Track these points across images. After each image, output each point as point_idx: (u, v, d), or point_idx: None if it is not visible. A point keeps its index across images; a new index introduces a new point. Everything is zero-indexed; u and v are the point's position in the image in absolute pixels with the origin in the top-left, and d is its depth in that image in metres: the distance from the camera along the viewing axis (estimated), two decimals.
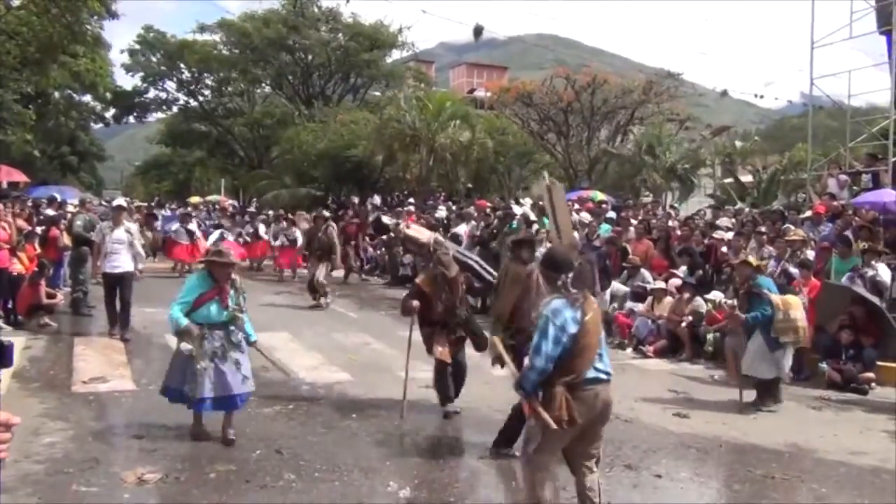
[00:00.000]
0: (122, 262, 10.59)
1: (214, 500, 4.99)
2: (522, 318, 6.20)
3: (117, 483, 5.23)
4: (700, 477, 5.95)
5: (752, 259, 8.67)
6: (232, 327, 6.19)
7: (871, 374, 9.47)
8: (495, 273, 7.83)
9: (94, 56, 29.53)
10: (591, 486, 4.57)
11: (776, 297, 8.27)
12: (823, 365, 9.73)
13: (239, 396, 6.12)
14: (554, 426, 4.28)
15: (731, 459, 6.44)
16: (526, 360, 4.52)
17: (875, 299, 9.78)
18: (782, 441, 6.99)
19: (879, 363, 9.63)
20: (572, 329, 4.32)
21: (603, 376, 4.48)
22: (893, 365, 9.59)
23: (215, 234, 19.12)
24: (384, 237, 20.20)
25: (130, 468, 5.48)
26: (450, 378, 7.29)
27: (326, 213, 17.55)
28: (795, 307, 8.32)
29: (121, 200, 11.92)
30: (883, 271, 10.21)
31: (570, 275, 4.55)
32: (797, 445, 6.91)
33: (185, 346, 5.99)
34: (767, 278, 8.65)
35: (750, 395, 8.22)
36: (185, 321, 6.01)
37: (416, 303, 7.22)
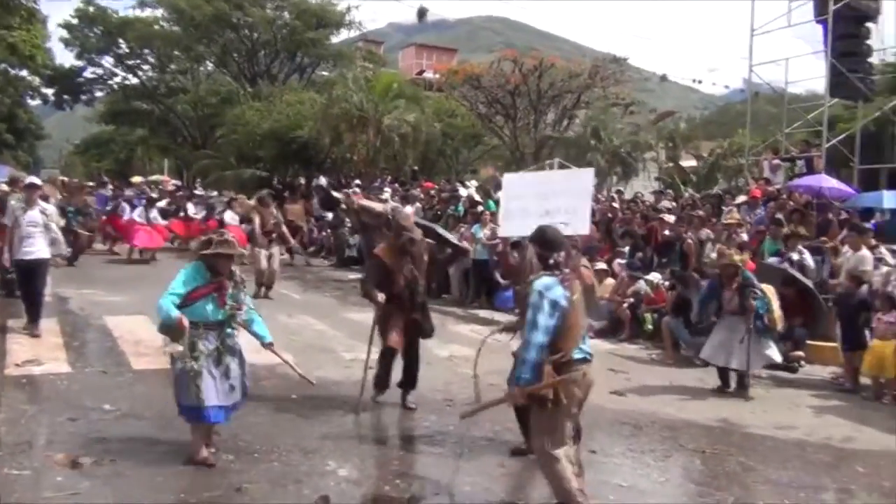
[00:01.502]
0: (36, 248, 9.29)
1: (150, 481, 4.95)
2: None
3: (50, 466, 5.15)
4: (633, 452, 6.11)
5: (735, 257, 8.63)
6: (228, 329, 5.38)
7: (800, 353, 9.84)
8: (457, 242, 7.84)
9: (30, 28, 28.54)
10: (570, 459, 4.59)
11: (767, 288, 8.47)
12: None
13: (224, 408, 5.32)
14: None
15: (664, 435, 6.62)
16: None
17: (807, 281, 10.12)
18: (713, 417, 7.23)
19: (809, 342, 10.00)
20: (564, 303, 4.33)
21: (587, 356, 4.56)
22: (822, 344, 9.95)
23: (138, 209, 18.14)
24: (330, 217, 20.06)
25: (64, 451, 5.39)
26: (391, 367, 6.99)
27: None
28: (774, 296, 8.53)
29: (34, 178, 10.83)
30: (807, 255, 10.57)
31: (562, 253, 4.56)
32: (728, 421, 7.15)
33: (175, 346, 5.14)
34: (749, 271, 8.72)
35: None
36: (177, 312, 5.08)
37: (382, 296, 6.66)
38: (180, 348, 5.14)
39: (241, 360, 5.43)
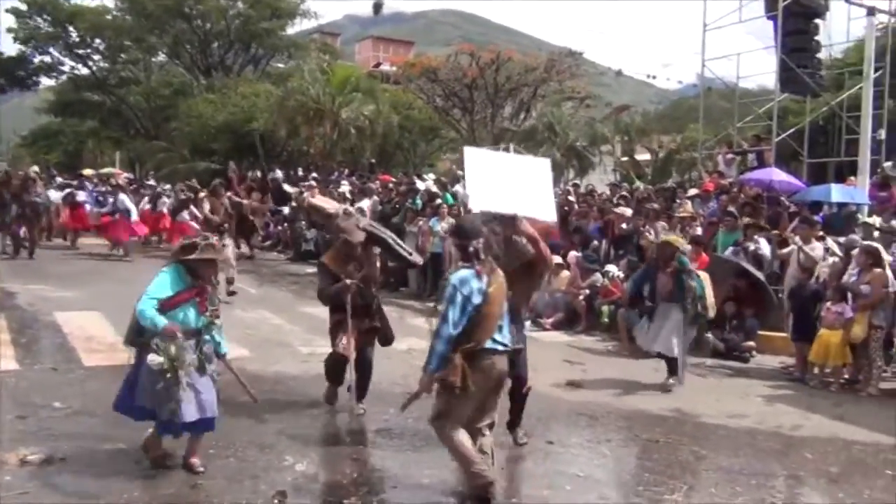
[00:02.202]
0: None
1: (101, 480, 4.86)
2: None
3: None
4: (590, 443, 6.19)
5: (672, 238, 8.71)
6: (206, 336, 5.10)
7: (752, 343, 10.06)
8: (411, 250, 7.66)
9: None
10: (484, 449, 4.79)
11: (703, 275, 8.57)
12: (709, 335, 10.23)
13: (216, 418, 5.11)
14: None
15: (619, 426, 6.71)
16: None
17: (759, 274, 10.33)
18: (667, 407, 7.35)
19: (760, 332, 10.23)
20: (476, 300, 4.53)
21: (500, 347, 4.69)
22: (773, 334, 10.18)
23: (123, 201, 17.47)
24: (286, 210, 19.84)
25: (12, 449, 5.26)
26: (342, 374, 6.59)
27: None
28: (709, 283, 8.64)
29: None
30: (764, 246, 10.78)
31: (480, 241, 4.68)
32: (681, 411, 7.27)
33: (155, 358, 4.77)
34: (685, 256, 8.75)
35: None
36: (163, 321, 4.79)
37: (349, 282, 6.30)
38: (161, 360, 4.76)
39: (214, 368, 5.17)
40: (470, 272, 4.60)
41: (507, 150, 8.31)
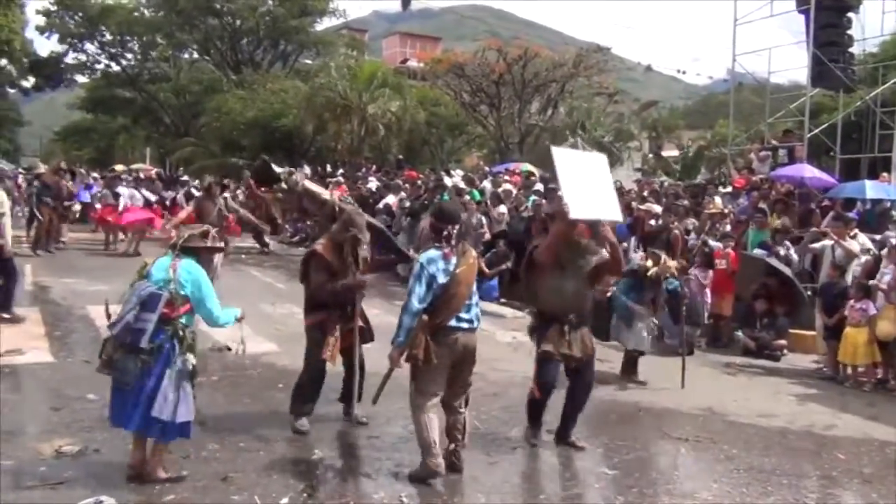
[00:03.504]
0: None
1: None
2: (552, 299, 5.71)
3: (34, 456, 5.11)
4: (618, 440, 6.15)
5: (671, 265, 8.29)
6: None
7: (783, 342, 9.95)
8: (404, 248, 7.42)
9: (7, 12, 28.14)
10: (456, 425, 5.06)
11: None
12: (739, 333, 10.16)
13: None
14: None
15: (649, 424, 6.67)
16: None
17: (787, 270, 10.20)
18: (697, 405, 7.28)
19: (791, 331, 10.12)
20: (442, 279, 4.84)
21: (465, 325, 4.96)
22: (804, 332, 10.06)
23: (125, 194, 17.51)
24: (280, 194, 19.37)
25: (47, 441, 5.35)
26: (321, 383, 5.98)
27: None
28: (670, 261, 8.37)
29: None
30: (792, 251, 10.66)
31: (456, 227, 5.03)
32: (711, 409, 7.20)
33: (191, 358, 4.66)
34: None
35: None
36: (235, 311, 4.90)
37: (363, 279, 5.92)
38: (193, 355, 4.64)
39: None
40: (437, 253, 4.91)
41: (574, 145, 7.98)
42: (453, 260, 4.89)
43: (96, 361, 7.69)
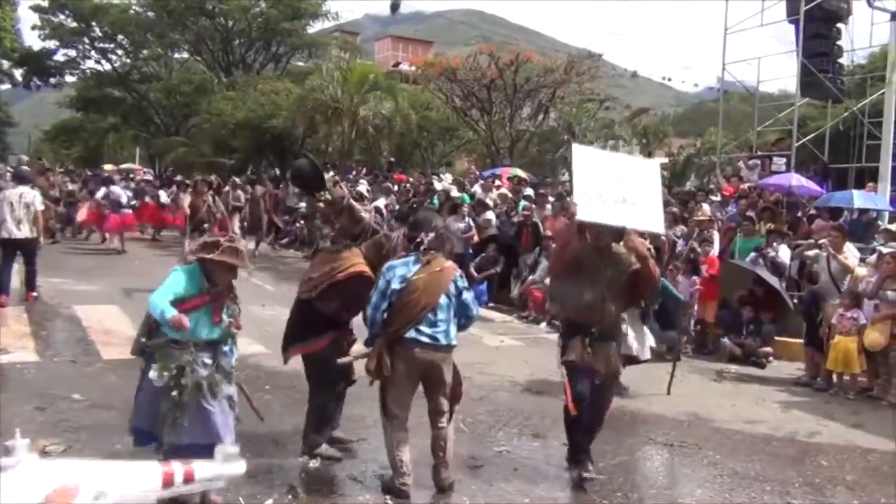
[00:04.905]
0: None
1: None
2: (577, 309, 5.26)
3: None
4: (604, 444, 6.17)
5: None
6: (225, 348, 4.56)
7: (769, 349, 10.00)
8: None
9: None
10: (437, 441, 4.89)
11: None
12: (725, 340, 10.20)
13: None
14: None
15: (635, 428, 6.70)
16: None
17: (774, 280, 10.26)
18: (683, 411, 7.32)
19: (777, 338, 10.17)
20: (396, 285, 4.72)
21: (425, 339, 4.71)
22: (790, 340, 10.11)
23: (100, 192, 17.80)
24: (304, 207, 19.74)
25: (32, 440, 5.31)
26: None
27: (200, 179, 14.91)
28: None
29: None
30: (783, 253, 10.70)
31: (428, 235, 4.88)
32: (697, 415, 7.24)
33: (156, 371, 4.30)
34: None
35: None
36: (172, 311, 4.19)
37: None
38: (164, 373, 4.26)
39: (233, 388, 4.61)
40: (402, 261, 4.84)
41: (630, 152, 7.79)
42: (414, 267, 4.77)
43: (81, 361, 7.72)
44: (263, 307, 11.21)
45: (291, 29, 35.92)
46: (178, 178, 24.44)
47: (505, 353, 9.33)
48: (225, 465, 2.63)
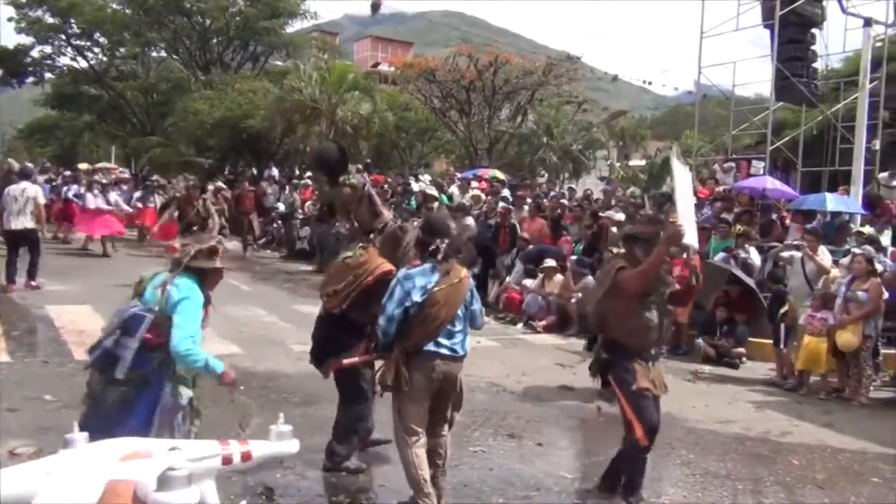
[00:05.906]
0: None
1: None
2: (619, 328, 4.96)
3: None
4: (578, 444, 6.22)
5: None
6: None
7: (742, 350, 10.12)
8: None
9: None
10: (437, 449, 4.63)
11: None
12: (699, 340, 10.30)
13: None
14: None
15: (609, 429, 6.72)
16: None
17: (750, 281, 10.38)
18: None
19: (751, 339, 10.29)
20: (417, 297, 4.39)
21: (445, 351, 4.47)
22: (763, 341, 10.22)
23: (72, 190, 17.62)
24: (281, 207, 19.80)
25: (3, 442, 5.27)
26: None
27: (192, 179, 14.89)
28: None
29: None
30: (754, 255, 10.84)
31: (445, 242, 4.55)
32: (670, 415, 7.25)
33: (185, 391, 4.10)
34: None
35: None
36: (220, 365, 4.01)
37: None
38: (191, 393, 4.04)
39: None
40: (420, 269, 4.48)
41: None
42: (435, 277, 4.45)
43: (54, 362, 7.63)
44: (237, 307, 11.15)
45: (269, 28, 35.69)
46: (155, 177, 24.16)
47: (482, 353, 9.33)
48: (279, 444, 2.65)
